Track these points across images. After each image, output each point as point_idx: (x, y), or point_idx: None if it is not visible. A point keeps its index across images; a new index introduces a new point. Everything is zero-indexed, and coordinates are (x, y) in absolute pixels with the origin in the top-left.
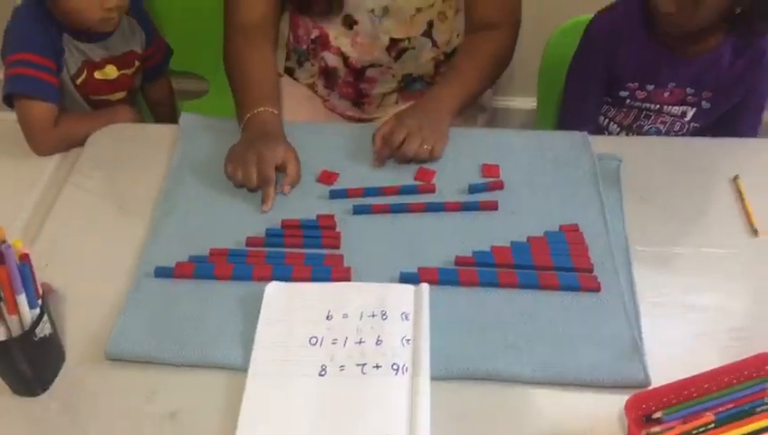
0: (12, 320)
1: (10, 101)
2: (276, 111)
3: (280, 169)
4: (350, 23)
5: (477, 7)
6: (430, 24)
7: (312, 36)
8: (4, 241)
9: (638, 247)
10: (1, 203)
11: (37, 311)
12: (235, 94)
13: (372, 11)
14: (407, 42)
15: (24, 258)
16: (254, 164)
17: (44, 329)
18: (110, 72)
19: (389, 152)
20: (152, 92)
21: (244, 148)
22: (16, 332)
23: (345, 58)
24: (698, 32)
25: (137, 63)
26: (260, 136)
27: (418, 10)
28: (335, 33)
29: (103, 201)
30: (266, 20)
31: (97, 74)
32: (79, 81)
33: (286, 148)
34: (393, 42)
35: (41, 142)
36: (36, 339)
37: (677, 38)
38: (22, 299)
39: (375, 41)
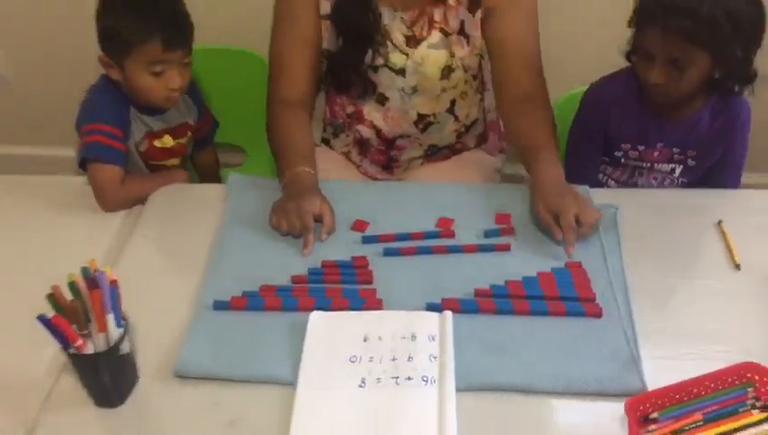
0: (99, 337)
1: (83, 165)
2: (313, 171)
3: (317, 219)
4: (382, 100)
5: (517, 78)
6: (453, 102)
7: (348, 112)
8: (96, 269)
9: (635, 280)
10: (76, 252)
11: (121, 330)
12: (276, 157)
13: (402, 89)
14: (432, 117)
15: (114, 283)
16: (295, 215)
17: (125, 347)
18: (167, 141)
19: (576, 235)
20: (200, 159)
21: (286, 202)
22: (102, 347)
23: (378, 130)
24: (684, 98)
25: (189, 134)
26: (299, 191)
27: (443, 90)
28: (369, 109)
29: (164, 248)
30: (305, 95)
31: (156, 143)
32: (141, 148)
33: (322, 201)
34: (420, 116)
35: (109, 200)
36: (119, 355)
37: (665, 105)
38: (110, 319)
39: (404, 115)
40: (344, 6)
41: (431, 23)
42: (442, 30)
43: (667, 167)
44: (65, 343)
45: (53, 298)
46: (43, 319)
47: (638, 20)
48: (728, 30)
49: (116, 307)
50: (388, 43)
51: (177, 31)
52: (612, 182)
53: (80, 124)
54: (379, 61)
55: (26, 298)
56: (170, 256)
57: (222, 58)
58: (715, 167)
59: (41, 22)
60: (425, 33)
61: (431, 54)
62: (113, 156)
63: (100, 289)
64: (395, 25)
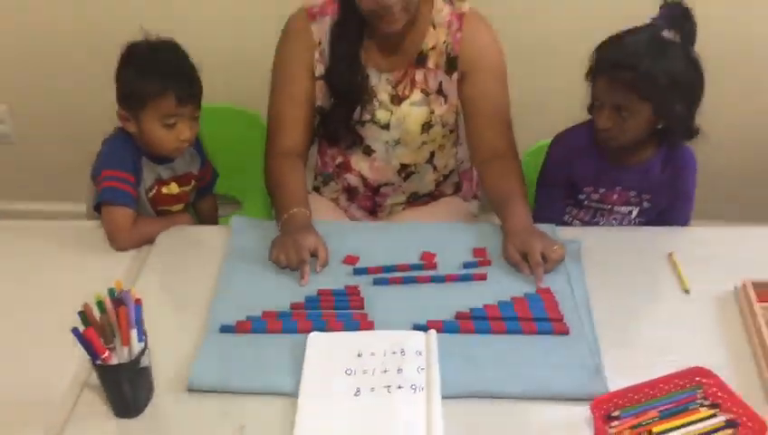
0: (122, 350)
1: (98, 208)
2: (308, 212)
3: (312, 253)
4: (368, 151)
5: (491, 137)
6: (432, 154)
7: (337, 162)
8: (122, 289)
9: (597, 303)
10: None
11: (142, 345)
12: (274, 200)
13: (387, 142)
14: (413, 167)
15: (138, 302)
16: (293, 250)
17: (145, 361)
18: (174, 188)
19: (543, 269)
20: (201, 206)
21: (284, 238)
22: (125, 359)
23: (364, 179)
24: (633, 145)
25: (193, 182)
26: (296, 229)
27: (423, 143)
28: (356, 159)
29: (172, 281)
30: (300, 147)
31: (164, 189)
32: (150, 194)
33: (316, 237)
34: (403, 166)
35: (122, 240)
36: (139, 367)
37: (618, 151)
38: (133, 334)
39: (388, 165)
40: (336, 69)
41: (413, 83)
42: (423, 90)
43: (625, 209)
44: (94, 354)
45: (84, 315)
46: (76, 332)
47: (592, 73)
48: (666, 85)
49: (139, 323)
50: (375, 101)
51: (189, 88)
52: (577, 222)
53: (96, 172)
54: (366, 117)
55: (49, 325)
56: (177, 288)
57: (222, 116)
58: (667, 208)
59: (42, 79)
60: (407, 93)
61: (413, 111)
62: (126, 199)
63: (126, 306)
64: (381, 86)
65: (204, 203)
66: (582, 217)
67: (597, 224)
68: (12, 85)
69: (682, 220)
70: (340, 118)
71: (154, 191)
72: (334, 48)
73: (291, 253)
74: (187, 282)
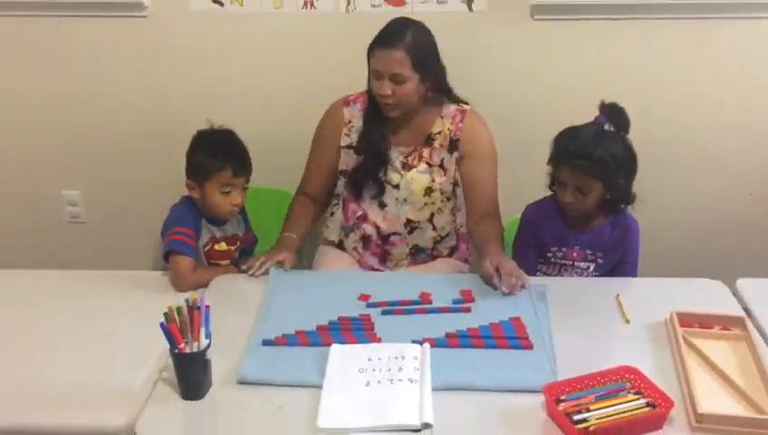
0: (193, 344)
1: (166, 258)
2: (294, 236)
3: (279, 262)
4: (382, 205)
5: (481, 205)
6: (432, 215)
7: (358, 215)
8: (196, 299)
9: (557, 330)
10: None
11: (208, 341)
12: (284, 223)
13: (397, 199)
14: (417, 223)
15: (208, 308)
16: (264, 255)
17: (209, 354)
18: (223, 246)
19: (511, 282)
20: (241, 264)
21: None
22: (195, 350)
23: (378, 228)
24: (589, 214)
25: (238, 243)
26: (279, 245)
27: (425, 204)
28: (373, 213)
29: (221, 314)
30: (319, 192)
31: (216, 246)
32: (206, 249)
33: (287, 252)
34: (408, 221)
35: (184, 283)
36: (205, 358)
37: (576, 219)
38: (202, 331)
39: (397, 219)
40: (368, 138)
41: (420, 157)
42: (427, 162)
43: (584, 265)
44: (173, 344)
45: (168, 315)
46: (163, 326)
47: (554, 161)
48: (613, 166)
49: (207, 324)
50: (390, 166)
51: (242, 164)
52: (545, 277)
53: (166, 228)
54: (383, 177)
55: (131, 337)
56: (226, 318)
57: (263, 195)
58: (618, 264)
59: (109, 168)
60: (415, 163)
61: (418, 178)
62: (189, 250)
63: (200, 310)
64: (395, 156)
65: (245, 262)
66: (550, 272)
67: (562, 276)
68: (83, 173)
69: (631, 274)
70: (368, 174)
71: (209, 247)
72: (368, 123)
73: (261, 256)
74: (233, 314)
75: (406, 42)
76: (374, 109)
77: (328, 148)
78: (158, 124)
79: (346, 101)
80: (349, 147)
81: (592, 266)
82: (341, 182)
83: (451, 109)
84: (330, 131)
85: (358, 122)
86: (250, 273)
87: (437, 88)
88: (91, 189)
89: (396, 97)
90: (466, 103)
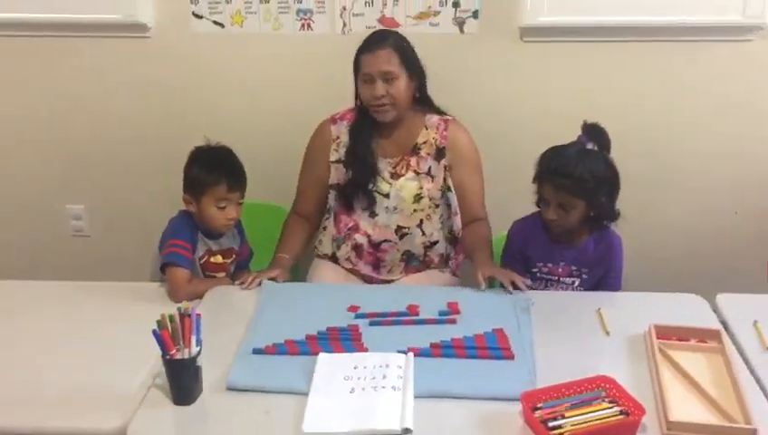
0: (185, 351)
1: (163, 269)
2: (287, 256)
3: (272, 278)
4: (373, 215)
5: (470, 210)
6: (421, 221)
7: (349, 226)
8: (188, 307)
9: (540, 342)
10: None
11: (199, 348)
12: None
13: (387, 208)
14: (407, 229)
15: (198, 316)
16: (259, 272)
17: (200, 361)
18: (219, 259)
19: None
20: (236, 277)
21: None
22: (186, 357)
23: (369, 237)
24: (573, 230)
25: (233, 256)
26: (272, 264)
27: (414, 211)
28: (363, 223)
29: (215, 323)
30: (311, 209)
31: (212, 259)
32: (202, 261)
33: (281, 271)
34: (398, 228)
35: (179, 294)
36: (196, 365)
37: (561, 235)
38: (193, 338)
39: (387, 226)
40: (356, 153)
41: (408, 165)
42: (415, 171)
43: (569, 280)
44: (165, 350)
45: (160, 322)
46: (155, 332)
47: (539, 179)
48: (594, 184)
49: (198, 332)
50: (379, 177)
51: (237, 179)
52: (531, 291)
53: (163, 241)
54: (373, 187)
55: (127, 343)
56: (219, 328)
57: (260, 210)
58: (602, 279)
59: (111, 182)
60: (403, 172)
61: (407, 185)
62: (185, 262)
63: (191, 318)
64: (383, 166)
65: (238, 275)
66: (536, 287)
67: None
68: (88, 188)
69: (614, 289)
70: (357, 186)
71: (204, 259)
72: (354, 138)
73: (255, 273)
74: (226, 323)
75: (390, 42)
76: (361, 122)
77: (318, 165)
78: (159, 140)
79: (333, 119)
80: (338, 161)
81: (577, 281)
82: (332, 196)
83: (434, 119)
84: (319, 149)
85: (345, 138)
86: (243, 287)
87: (421, 92)
88: (94, 204)
89: (390, 96)
90: (446, 114)
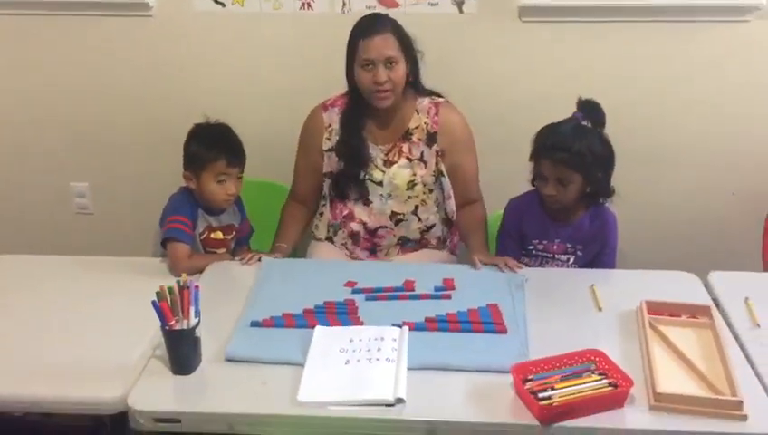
0: (183, 322)
1: (164, 245)
2: (285, 245)
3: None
4: (367, 202)
5: (464, 191)
6: (416, 207)
7: (344, 214)
8: (186, 280)
9: (533, 317)
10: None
11: (197, 320)
12: (276, 229)
13: (381, 195)
14: (402, 215)
15: (197, 288)
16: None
17: (198, 332)
18: (219, 235)
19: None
20: (236, 253)
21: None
22: (185, 328)
23: (364, 224)
24: (569, 207)
25: (233, 233)
26: (271, 252)
27: (409, 197)
28: (358, 211)
29: (215, 297)
30: (306, 196)
31: (212, 235)
32: (202, 237)
33: (280, 254)
34: (393, 213)
35: (180, 269)
36: (194, 336)
37: (557, 212)
38: (192, 310)
39: (382, 213)
40: (347, 142)
41: (400, 152)
42: (407, 157)
43: (564, 257)
44: (164, 321)
45: (160, 293)
46: (154, 304)
47: (535, 155)
48: (591, 159)
49: (197, 303)
50: (372, 164)
51: (236, 154)
52: (526, 268)
53: (164, 218)
54: (366, 176)
55: (127, 315)
56: (218, 301)
57: (261, 188)
58: (596, 256)
59: (115, 160)
60: (396, 159)
61: (400, 172)
62: (186, 238)
63: (189, 290)
64: (376, 154)
65: (240, 251)
66: (531, 264)
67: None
68: (91, 166)
69: (608, 266)
70: (349, 177)
71: (205, 235)
72: (345, 128)
73: (256, 251)
74: (226, 297)
75: (389, 26)
76: (353, 109)
77: (312, 152)
78: (162, 119)
79: (324, 106)
80: (330, 150)
81: (572, 259)
82: (327, 183)
83: (425, 102)
84: (312, 136)
85: (337, 126)
86: (243, 262)
87: (415, 75)
88: (98, 182)
89: (391, 82)
90: (439, 95)
